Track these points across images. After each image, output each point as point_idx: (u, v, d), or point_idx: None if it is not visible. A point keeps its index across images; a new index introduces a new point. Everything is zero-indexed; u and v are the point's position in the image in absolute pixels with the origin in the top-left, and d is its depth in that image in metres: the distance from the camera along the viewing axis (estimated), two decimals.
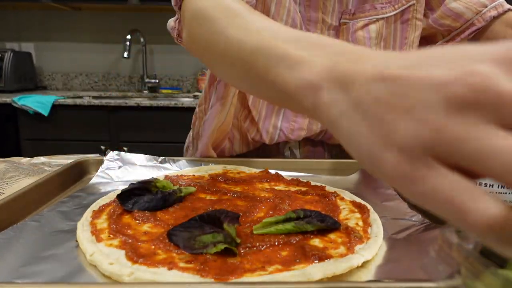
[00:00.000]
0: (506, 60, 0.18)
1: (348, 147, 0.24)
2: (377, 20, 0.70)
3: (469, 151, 0.18)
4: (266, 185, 0.59)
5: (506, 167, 0.17)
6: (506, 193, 0.46)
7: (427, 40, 0.79)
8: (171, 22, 0.58)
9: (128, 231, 0.42)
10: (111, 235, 0.40)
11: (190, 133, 0.88)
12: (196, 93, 2.60)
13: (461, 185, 0.18)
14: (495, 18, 0.71)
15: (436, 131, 0.18)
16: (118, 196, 0.48)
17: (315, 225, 0.41)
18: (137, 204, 0.47)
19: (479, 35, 0.73)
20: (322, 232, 0.42)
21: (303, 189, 0.57)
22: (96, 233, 0.41)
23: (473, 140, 0.18)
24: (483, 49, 0.19)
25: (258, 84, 0.34)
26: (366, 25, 0.70)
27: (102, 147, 2.15)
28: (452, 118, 0.18)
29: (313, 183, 0.59)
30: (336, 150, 0.81)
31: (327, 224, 0.42)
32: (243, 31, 0.37)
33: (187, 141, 0.90)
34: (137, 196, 0.48)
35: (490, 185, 0.46)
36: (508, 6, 0.72)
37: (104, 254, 0.37)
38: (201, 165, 0.69)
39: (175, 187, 0.52)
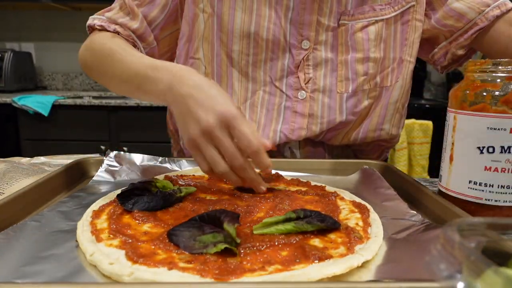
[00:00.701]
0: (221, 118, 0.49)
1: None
2: (377, 21, 0.70)
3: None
4: (266, 185, 0.59)
5: (230, 152, 0.50)
6: (505, 193, 0.46)
7: (429, 42, 0.78)
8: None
9: (128, 231, 0.42)
10: (111, 235, 0.40)
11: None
12: None
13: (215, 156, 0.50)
14: (498, 17, 0.70)
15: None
16: (118, 196, 0.48)
17: (315, 225, 0.41)
18: (137, 204, 0.47)
19: (482, 34, 0.72)
20: (322, 232, 0.42)
21: (303, 189, 0.57)
22: (96, 233, 0.41)
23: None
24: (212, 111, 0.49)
25: (141, 93, 0.61)
26: (365, 26, 0.70)
27: (102, 147, 2.15)
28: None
29: (313, 183, 0.59)
30: (337, 151, 0.81)
31: (327, 224, 0.42)
32: (128, 61, 0.64)
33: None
34: (137, 196, 0.48)
35: (490, 185, 0.46)
36: (511, 4, 0.71)
37: (104, 254, 0.36)
38: None
39: (175, 187, 0.52)
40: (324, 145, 0.80)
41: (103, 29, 0.73)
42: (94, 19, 0.75)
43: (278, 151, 0.78)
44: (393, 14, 0.71)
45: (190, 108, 0.50)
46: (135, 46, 0.73)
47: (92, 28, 0.76)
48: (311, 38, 0.71)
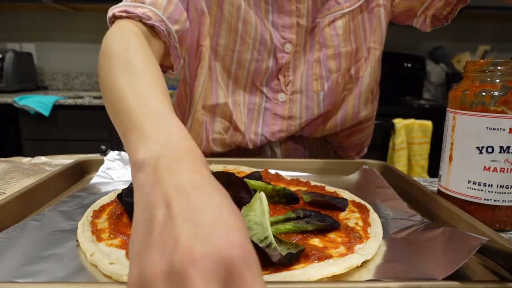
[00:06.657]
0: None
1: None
2: (343, 15, 0.70)
3: None
4: None
5: None
6: (504, 192, 0.46)
7: (405, 14, 0.74)
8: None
9: (129, 231, 0.42)
10: (112, 235, 0.40)
11: None
12: None
13: None
14: None
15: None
16: (119, 196, 0.48)
17: (314, 225, 0.42)
18: None
19: None
20: (322, 231, 0.42)
21: (303, 189, 0.57)
22: (96, 232, 0.41)
23: None
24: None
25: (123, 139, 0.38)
26: (332, 21, 0.70)
27: (103, 147, 2.15)
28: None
29: (313, 183, 0.59)
30: (316, 148, 0.81)
31: (326, 224, 0.42)
32: (126, 90, 0.41)
33: None
34: None
35: (489, 185, 0.46)
36: None
37: (104, 254, 0.37)
38: None
39: None
40: (304, 141, 0.80)
41: (127, 15, 0.57)
42: (114, 8, 0.59)
43: (260, 149, 0.79)
44: (357, 4, 0.70)
45: (170, 219, 0.24)
46: (168, 34, 0.60)
47: (115, 18, 0.58)
48: (293, 41, 0.71)
